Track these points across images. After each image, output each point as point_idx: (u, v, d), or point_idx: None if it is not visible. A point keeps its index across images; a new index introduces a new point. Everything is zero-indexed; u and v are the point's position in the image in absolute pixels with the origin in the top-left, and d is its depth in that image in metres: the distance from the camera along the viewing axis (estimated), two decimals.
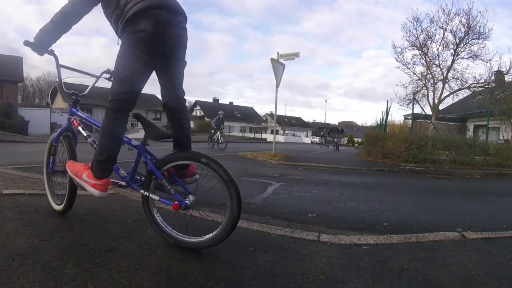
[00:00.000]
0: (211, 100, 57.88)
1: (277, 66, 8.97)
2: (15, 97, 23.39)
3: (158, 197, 1.64)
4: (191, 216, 1.68)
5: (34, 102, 49.85)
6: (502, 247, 1.99)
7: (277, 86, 9.02)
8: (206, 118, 48.01)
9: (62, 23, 1.68)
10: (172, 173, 1.72)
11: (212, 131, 12.23)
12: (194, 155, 1.63)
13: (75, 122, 1.98)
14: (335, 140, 17.64)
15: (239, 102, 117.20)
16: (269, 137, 36.74)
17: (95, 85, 2.17)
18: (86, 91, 2.07)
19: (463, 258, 1.76)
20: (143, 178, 1.75)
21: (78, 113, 2.01)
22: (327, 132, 21.68)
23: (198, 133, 35.68)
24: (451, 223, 2.74)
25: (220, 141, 11.46)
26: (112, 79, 1.81)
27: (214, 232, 1.60)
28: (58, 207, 2.04)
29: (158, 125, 1.89)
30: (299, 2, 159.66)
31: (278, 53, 9.28)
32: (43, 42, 1.71)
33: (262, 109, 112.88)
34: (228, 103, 58.59)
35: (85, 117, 1.99)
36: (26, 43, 1.67)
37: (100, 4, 1.73)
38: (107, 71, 2.09)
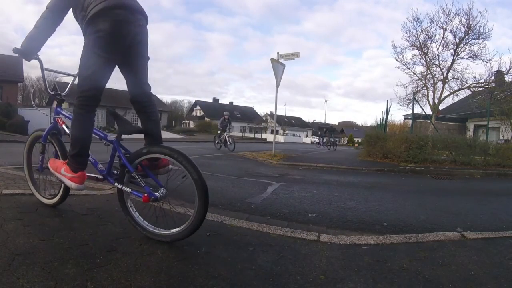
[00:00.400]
0: (211, 100, 57.91)
1: (277, 66, 8.96)
2: (15, 97, 23.35)
3: (130, 190, 1.70)
4: (161, 209, 1.72)
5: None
6: (502, 247, 1.99)
7: (277, 86, 9.02)
8: (206, 118, 48.04)
9: (45, 27, 1.77)
10: (145, 166, 1.77)
11: (218, 132, 12.01)
12: (138, 152, 1.71)
13: (59, 121, 2.07)
14: (331, 140, 17.92)
15: (239, 102, 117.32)
16: (269, 137, 36.73)
17: None
18: (66, 91, 2.18)
19: (463, 258, 1.76)
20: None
21: (62, 112, 2.09)
22: (324, 132, 21.82)
23: (198, 133, 35.67)
24: (451, 223, 2.74)
25: (228, 142, 11.21)
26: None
27: (188, 220, 1.61)
28: (49, 201, 2.14)
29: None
30: (300, 2, 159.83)
31: (278, 53, 9.27)
32: (30, 49, 1.79)
33: (262, 109, 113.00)
34: (228, 103, 58.61)
35: (68, 116, 2.06)
36: (15, 51, 1.75)
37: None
38: None
